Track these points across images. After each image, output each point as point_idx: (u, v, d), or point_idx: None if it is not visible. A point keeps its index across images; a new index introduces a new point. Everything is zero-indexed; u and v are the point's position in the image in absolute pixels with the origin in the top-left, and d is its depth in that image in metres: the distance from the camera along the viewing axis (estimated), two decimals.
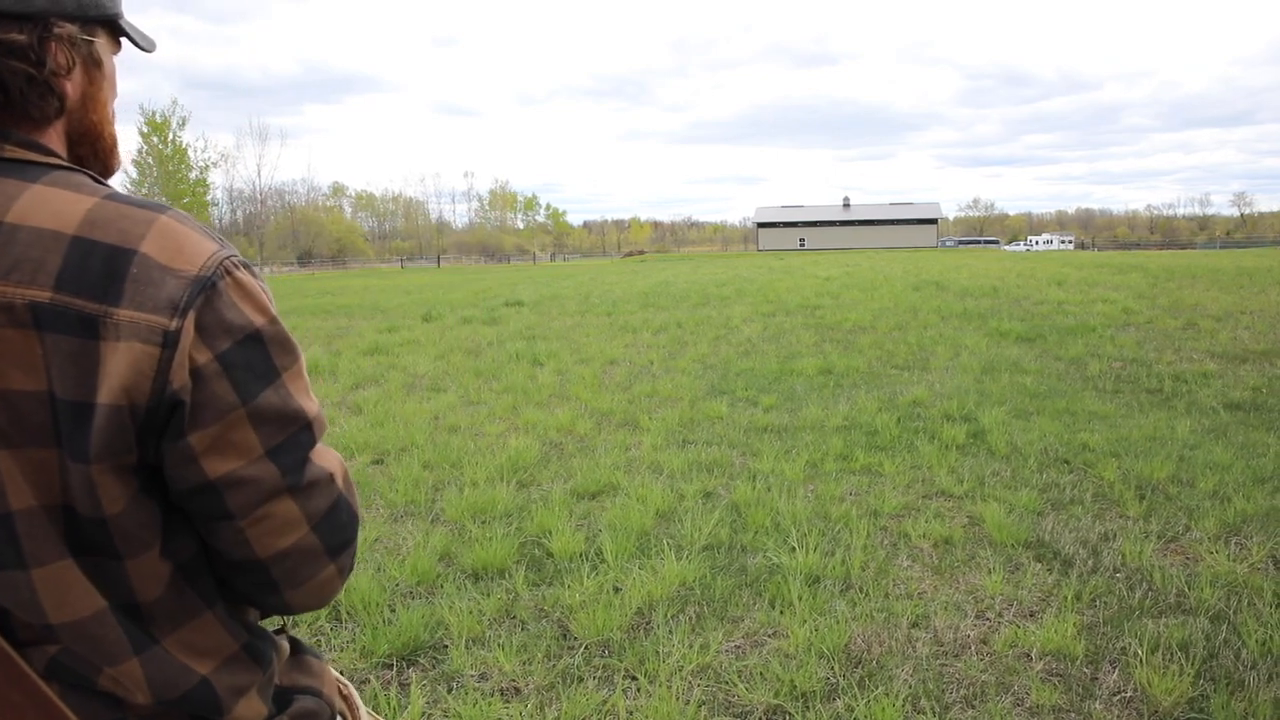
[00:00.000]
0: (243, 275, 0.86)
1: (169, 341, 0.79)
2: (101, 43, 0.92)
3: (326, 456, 0.92)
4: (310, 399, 0.90)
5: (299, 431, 0.88)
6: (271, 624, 1.06)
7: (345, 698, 1.13)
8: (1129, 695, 2.81)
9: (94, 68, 0.92)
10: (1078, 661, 3.01)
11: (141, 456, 0.82)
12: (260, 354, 0.85)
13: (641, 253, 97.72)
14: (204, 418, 0.82)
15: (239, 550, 0.88)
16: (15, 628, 0.83)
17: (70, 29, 0.87)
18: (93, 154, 0.95)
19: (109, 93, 0.95)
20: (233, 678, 0.91)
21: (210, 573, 0.91)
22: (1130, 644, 3.08)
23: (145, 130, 50.46)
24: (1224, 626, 3.18)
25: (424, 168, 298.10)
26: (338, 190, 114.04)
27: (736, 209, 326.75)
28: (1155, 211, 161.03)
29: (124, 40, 0.98)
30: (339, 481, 0.93)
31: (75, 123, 0.92)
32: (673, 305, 15.96)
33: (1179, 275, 18.42)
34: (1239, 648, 3.03)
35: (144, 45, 0.99)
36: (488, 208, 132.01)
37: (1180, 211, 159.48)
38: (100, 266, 0.79)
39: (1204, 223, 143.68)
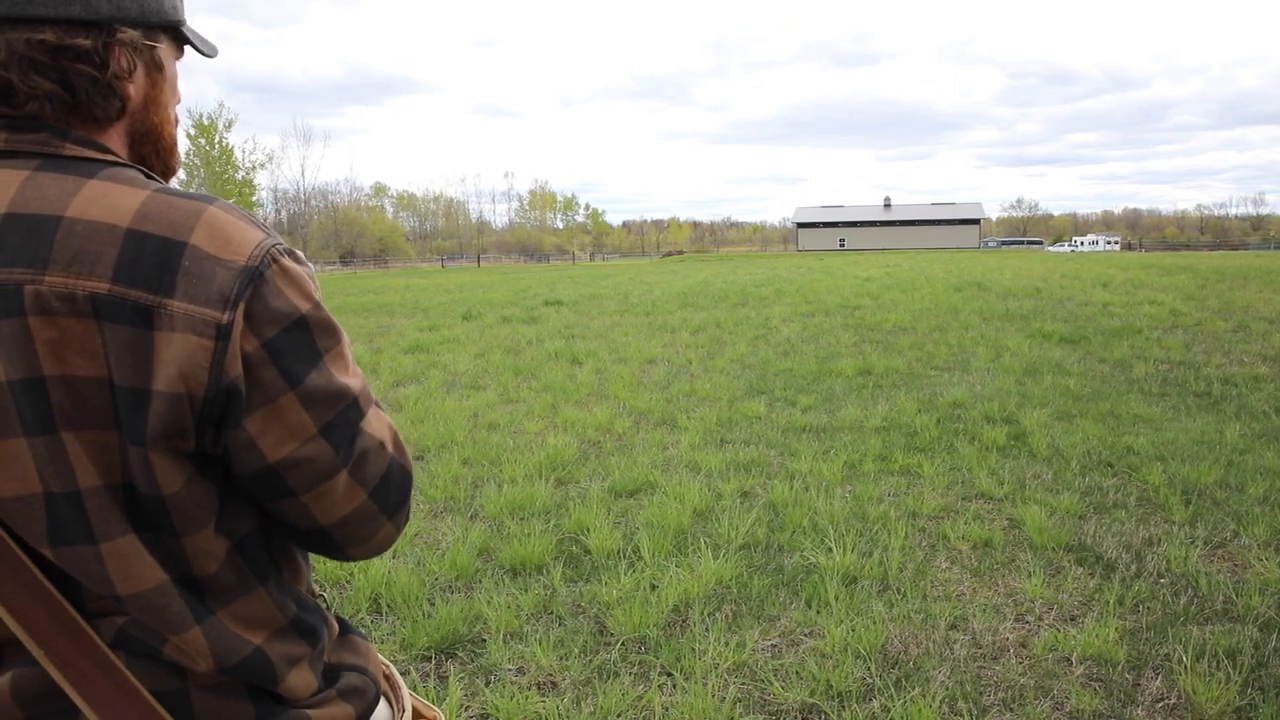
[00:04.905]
0: (288, 263, 0.89)
1: (222, 334, 0.83)
2: (164, 48, 0.97)
3: (376, 424, 0.97)
4: (353, 375, 0.94)
5: (347, 408, 0.92)
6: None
7: (388, 677, 1.17)
8: (1173, 703, 2.76)
9: (156, 71, 0.96)
10: (1119, 667, 2.96)
11: (199, 444, 0.86)
12: (305, 338, 0.89)
13: (680, 253, 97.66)
14: (256, 402, 0.86)
15: (304, 521, 0.94)
16: (85, 600, 0.88)
17: (133, 34, 0.92)
18: (154, 153, 1.00)
19: (170, 95, 1.00)
20: (285, 648, 0.96)
21: (265, 549, 0.96)
22: (1175, 650, 3.03)
23: (192, 133, 51.52)
24: (1274, 635, 3.11)
25: (464, 168, 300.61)
26: (379, 190, 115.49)
27: (776, 209, 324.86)
28: (1206, 211, 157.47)
29: (187, 46, 1.03)
30: (389, 446, 0.98)
31: (137, 123, 0.97)
32: (711, 305, 15.94)
33: (1230, 276, 17.97)
34: None
35: (206, 51, 1.04)
36: (527, 208, 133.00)
37: (1232, 211, 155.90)
38: (154, 258, 0.83)
39: (1258, 222, 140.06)
